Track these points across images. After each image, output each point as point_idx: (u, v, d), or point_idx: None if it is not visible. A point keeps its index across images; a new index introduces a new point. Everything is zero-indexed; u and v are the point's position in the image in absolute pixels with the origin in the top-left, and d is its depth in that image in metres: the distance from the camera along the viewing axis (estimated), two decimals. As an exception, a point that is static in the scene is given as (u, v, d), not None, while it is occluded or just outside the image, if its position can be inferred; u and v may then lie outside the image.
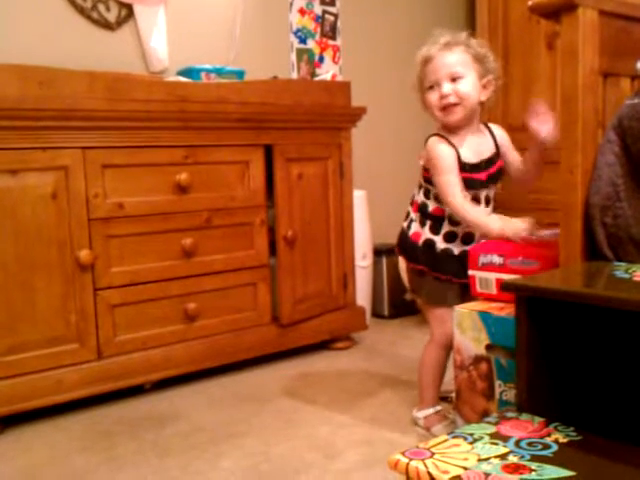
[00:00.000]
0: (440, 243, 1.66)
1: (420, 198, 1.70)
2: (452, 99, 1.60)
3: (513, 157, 1.70)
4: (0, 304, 1.76)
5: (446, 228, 1.66)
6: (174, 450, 1.65)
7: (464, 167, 1.62)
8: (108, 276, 1.93)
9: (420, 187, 1.71)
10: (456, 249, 1.66)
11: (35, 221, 1.80)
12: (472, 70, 1.61)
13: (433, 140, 1.64)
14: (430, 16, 3.27)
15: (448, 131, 1.65)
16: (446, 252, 1.66)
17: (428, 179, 1.66)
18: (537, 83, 2.77)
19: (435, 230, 1.67)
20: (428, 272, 1.67)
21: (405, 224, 1.74)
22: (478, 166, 1.64)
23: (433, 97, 1.63)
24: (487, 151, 1.67)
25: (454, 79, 1.60)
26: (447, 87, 1.60)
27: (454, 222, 1.65)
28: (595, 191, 1.24)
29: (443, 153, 1.61)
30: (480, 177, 1.63)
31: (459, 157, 1.61)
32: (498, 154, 1.68)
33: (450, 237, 1.66)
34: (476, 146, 1.65)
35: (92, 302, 1.91)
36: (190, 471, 1.54)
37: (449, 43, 1.61)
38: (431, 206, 1.67)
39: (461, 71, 1.60)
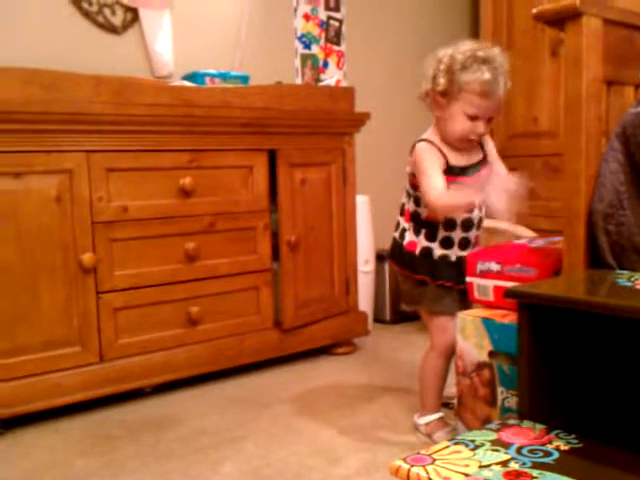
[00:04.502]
0: (437, 250, 1.66)
1: (411, 207, 1.69)
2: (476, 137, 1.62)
3: (498, 168, 1.70)
4: (3, 306, 1.76)
5: (442, 234, 1.65)
6: (174, 454, 1.65)
7: (453, 170, 1.62)
8: (111, 279, 1.94)
9: (409, 195, 1.70)
10: (453, 255, 1.65)
11: (38, 224, 1.81)
12: None
13: (421, 145, 1.64)
14: (434, 23, 3.28)
15: (444, 140, 1.64)
16: (443, 259, 1.65)
17: (415, 186, 1.66)
18: (541, 90, 2.77)
19: (431, 237, 1.66)
20: (430, 281, 1.66)
21: (397, 234, 1.74)
22: (467, 169, 1.64)
23: (465, 125, 1.59)
24: (475, 157, 1.68)
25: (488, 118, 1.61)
26: (483, 127, 1.60)
27: (450, 227, 1.65)
28: (598, 199, 1.24)
29: (430, 154, 1.61)
30: (468, 181, 1.63)
31: (447, 161, 1.62)
32: (485, 160, 1.69)
33: (447, 243, 1.66)
34: (466, 152, 1.66)
35: (94, 305, 1.91)
36: (190, 475, 1.53)
37: (498, 72, 1.57)
38: (423, 214, 1.67)
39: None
